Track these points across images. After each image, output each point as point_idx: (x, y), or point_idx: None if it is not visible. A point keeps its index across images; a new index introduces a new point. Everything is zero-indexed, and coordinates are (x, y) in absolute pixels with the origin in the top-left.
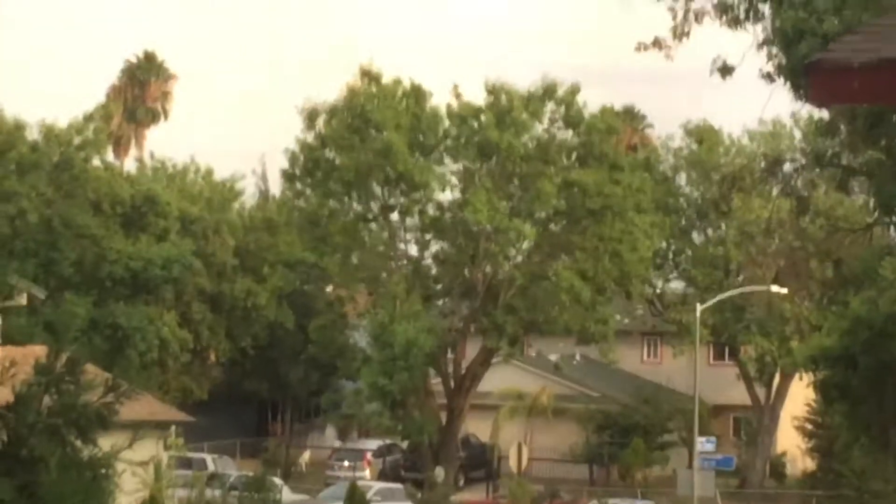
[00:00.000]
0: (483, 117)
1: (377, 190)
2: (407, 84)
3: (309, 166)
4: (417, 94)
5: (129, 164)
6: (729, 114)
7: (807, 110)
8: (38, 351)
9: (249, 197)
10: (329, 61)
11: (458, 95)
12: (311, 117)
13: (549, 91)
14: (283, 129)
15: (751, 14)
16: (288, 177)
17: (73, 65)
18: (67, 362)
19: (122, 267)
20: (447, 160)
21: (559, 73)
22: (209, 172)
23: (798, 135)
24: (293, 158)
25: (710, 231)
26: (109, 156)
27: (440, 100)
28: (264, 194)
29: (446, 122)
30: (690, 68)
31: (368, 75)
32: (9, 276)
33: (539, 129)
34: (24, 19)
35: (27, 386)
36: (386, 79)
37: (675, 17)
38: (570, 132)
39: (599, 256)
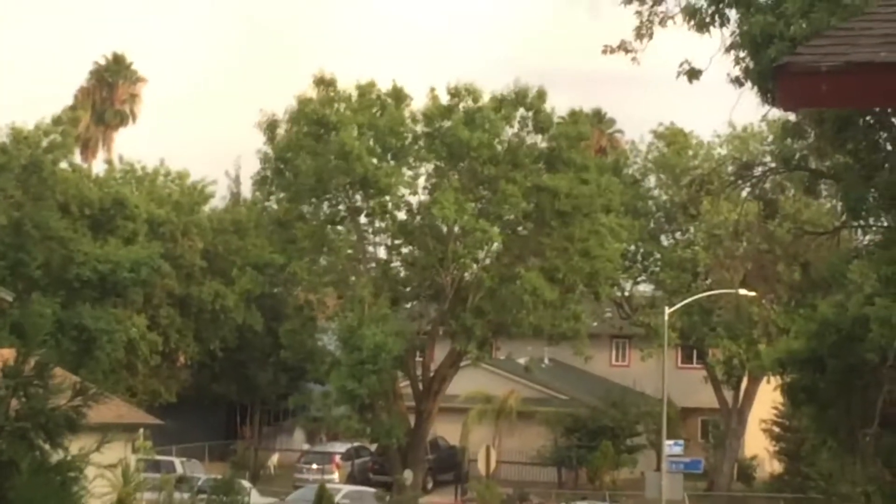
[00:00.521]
0: (452, 118)
1: (341, 194)
2: (381, 87)
3: (279, 167)
4: (398, 96)
5: (98, 167)
6: (699, 117)
7: (774, 114)
8: (6, 354)
9: (222, 199)
10: (300, 61)
11: (434, 98)
12: (271, 128)
13: (520, 96)
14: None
15: (717, 18)
16: (259, 179)
17: (41, 67)
18: (36, 365)
19: (89, 269)
20: (415, 162)
21: (528, 76)
22: (180, 176)
23: (766, 139)
24: (265, 159)
25: (678, 234)
26: (77, 158)
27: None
28: (235, 197)
29: (414, 125)
30: (660, 72)
31: (322, 82)
32: None
33: (509, 132)
34: None
35: None
36: (361, 82)
37: (640, 20)
38: (539, 136)
39: (569, 257)
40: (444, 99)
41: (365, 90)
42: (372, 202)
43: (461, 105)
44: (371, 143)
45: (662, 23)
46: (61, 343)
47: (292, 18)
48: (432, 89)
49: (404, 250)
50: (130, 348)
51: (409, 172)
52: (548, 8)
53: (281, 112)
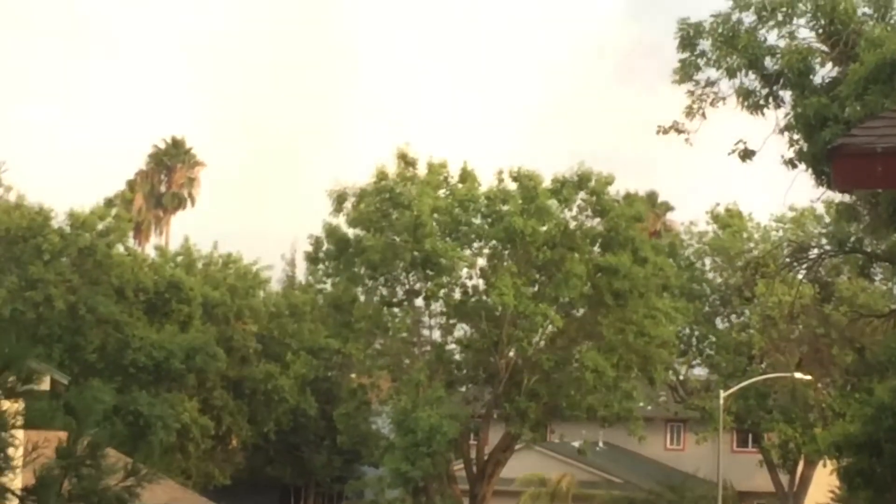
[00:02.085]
0: (508, 204)
1: (402, 273)
2: (452, 166)
3: (340, 246)
4: (467, 178)
5: (153, 249)
6: (753, 196)
7: (829, 196)
8: (61, 435)
9: (277, 282)
10: (359, 148)
11: (501, 180)
12: (339, 200)
13: (583, 179)
14: (312, 217)
15: (771, 100)
16: (311, 260)
17: (100, 152)
18: (88, 446)
19: (144, 355)
20: (477, 243)
21: (585, 158)
22: (235, 260)
23: (822, 221)
24: (317, 243)
25: (733, 317)
26: (131, 241)
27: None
28: (290, 280)
29: (478, 206)
30: (715, 153)
31: (404, 158)
32: (32, 360)
33: (567, 215)
34: (52, 102)
35: (48, 469)
36: (433, 160)
37: (692, 100)
38: (597, 219)
39: (625, 337)
40: (497, 182)
41: (436, 169)
42: (431, 283)
43: (517, 189)
44: (434, 222)
45: (713, 103)
46: (116, 426)
47: (345, 103)
48: (499, 171)
49: (459, 332)
50: (183, 431)
51: (469, 253)
52: (602, 92)
53: (352, 186)
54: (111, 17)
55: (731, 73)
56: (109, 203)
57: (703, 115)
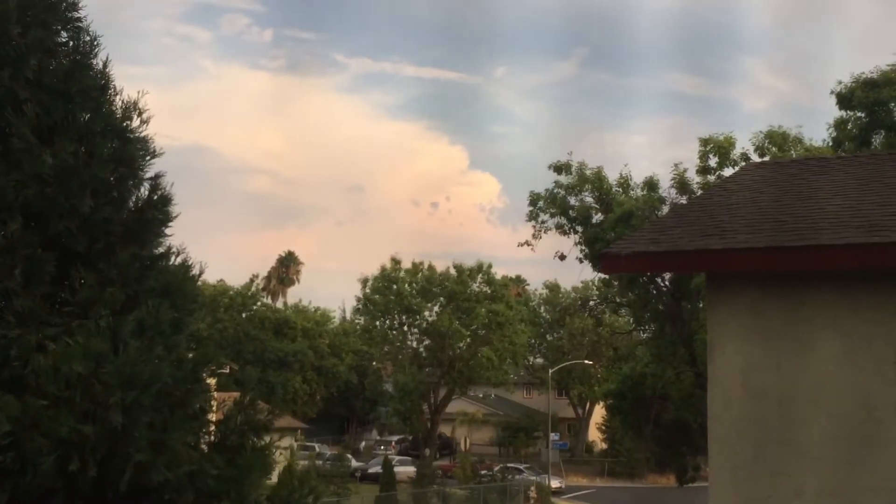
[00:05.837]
0: (448, 281)
1: (396, 315)
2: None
3: (367, 301)
4: (429, 269)
5: (280, 303)
6: (563, 277)
7: (599, 276)
8: (235, 395)
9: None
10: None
11: (447, 270)
12: (363, 282)
13: (481, 268)
14: (349, 287)
15: (572, 229)
16: (354, 309)
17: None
18: (250, 400)
19: (274, 354)
20: (433, 301)
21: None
22: (317, 308)
23: (595, 286)
24: (358, 301)
25: (555, 334)
26: (268, 299)
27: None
28: (344, 317)
29: (434, 281)
30: (546, 256)
31: (394, 260)
32: (217, 354)
33: (474, 285)
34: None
35: (230, 411)
36: (409, 261)
37: (534, 230)
38: (487, 288)
39: (503, 343)
40: (441, 269)
41: (416, 267)
42: (410, 319)
43: (452, 272)
44: (411, 290)
45: (545, 232)
46: (260, 389)
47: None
48: (455, 265)
49: (425, 342)
50: (292, 392)
51: (429, 304)
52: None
53: (369, 273)
54: None
55: (553, 216)
56: (254, 278)
57: (539, 238)
